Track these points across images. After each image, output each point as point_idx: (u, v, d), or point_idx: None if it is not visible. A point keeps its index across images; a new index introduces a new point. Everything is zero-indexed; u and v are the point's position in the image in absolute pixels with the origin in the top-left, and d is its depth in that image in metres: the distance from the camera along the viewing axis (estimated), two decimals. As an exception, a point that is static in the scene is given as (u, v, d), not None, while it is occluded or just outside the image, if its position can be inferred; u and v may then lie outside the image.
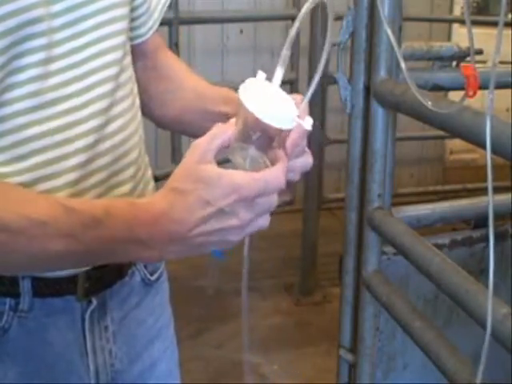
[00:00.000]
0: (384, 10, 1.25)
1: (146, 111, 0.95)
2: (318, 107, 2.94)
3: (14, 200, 0.66)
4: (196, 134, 0.80)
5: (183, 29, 2.71)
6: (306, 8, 0.63)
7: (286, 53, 0.64)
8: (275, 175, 0.64)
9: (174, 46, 2.40)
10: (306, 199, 3.11)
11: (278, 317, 2.81)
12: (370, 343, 1.48)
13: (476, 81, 0.87)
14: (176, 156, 2.58)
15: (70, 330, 0.82)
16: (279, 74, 0.64)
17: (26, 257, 0.66)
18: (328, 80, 2.78)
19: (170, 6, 2.32)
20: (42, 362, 0.81)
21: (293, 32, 0.63)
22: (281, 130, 0.63)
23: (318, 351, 2.53)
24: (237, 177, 0.63)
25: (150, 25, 0.93)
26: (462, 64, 0.90)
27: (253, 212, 0.65)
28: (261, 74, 0.64)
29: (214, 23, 3.39)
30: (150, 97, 0.96)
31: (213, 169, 0.63)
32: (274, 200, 0.66)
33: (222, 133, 0.65)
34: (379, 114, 1.34)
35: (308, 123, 0.64)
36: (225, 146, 0.65)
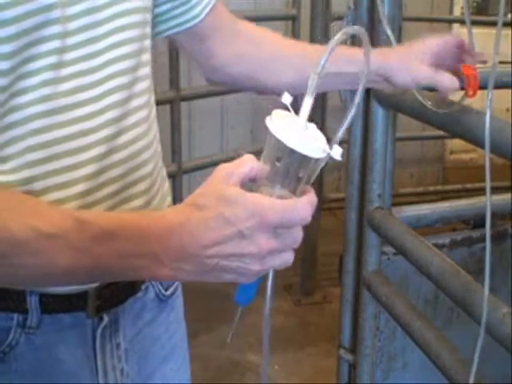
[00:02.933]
0: (384, 9, 1.25)
1: (253, 84, 0.98)
2: (318, 107, 2.94)
3: (25, 211, 0.64)
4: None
5: (183, 29, 2.70)
6: (338, 37, 0.60)
7: (313, 82, 0.61)
8: (301, 205, 0.61)
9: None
10: (306, 199, 3.10)
11: (278, 317, 2.81)
12: (369, 343, 1.48)
13: (476, 81, 0.87)
14: (176, 156, 2.58)
15: (80, 347, 0.79)
16: (308, 103, 0.61)
17: (35, 270, 0.63)
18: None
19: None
20: (50, 380, 0.78)
21: (323, 61, 0.60)
22: (310, 161, 0.61)
23: (318, 351, 2.53)
24: (261, 199, 0.59)
25: (206, 1, 0.93)
26: (462, 64, 0.90)
27: (274, 242, 0.60)
28: (286, 96, 0.62)
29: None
30: (252, 67, 0.97)
31: (237, 189, 0.60)
32: (298, 235, 0.62)
33: (251, 161, 0.62)
34: (379, 113, 1.34)
35: (337, 153, 0.61)
36: (251, 178, 0.62)
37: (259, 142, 3.61)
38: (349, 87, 1.00)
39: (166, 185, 0.90)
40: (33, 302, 0.74)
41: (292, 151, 0.59)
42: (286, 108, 0.63)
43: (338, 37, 0.60)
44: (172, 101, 2.46)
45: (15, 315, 0.74)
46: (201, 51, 0.96)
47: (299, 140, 0.59)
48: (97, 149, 0.73)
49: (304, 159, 0.60)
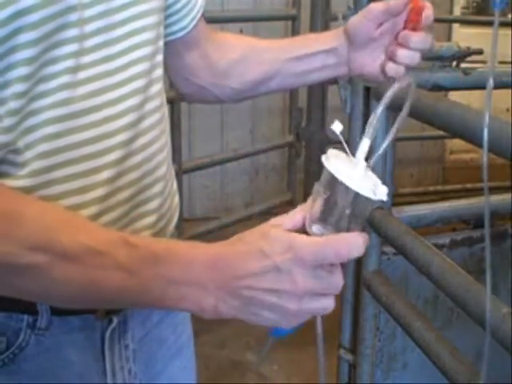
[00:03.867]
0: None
1: (220, 91, 0.97)
2: (318, 107, 2.94)
3: (75, 226, 0.63)
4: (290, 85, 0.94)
5: (183, 29, 2.70)
6: (390, 93, 0.62)
7: (372, 120, 0.61)
8: (335, 241, 0.60)
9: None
10: (306, 199, 3.10)
11: (278, 317, 2.81)
12: (370, 343, 1.48)
13: (418, 14, 0.85)
14: (176, 156, 2.58)
15: (89, 348, 0.79)
16: (365, 145, 0.61)
17: (79, 288, 0.63)
18: (328, 80, 2.78)
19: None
20: (59, 381, 0.78)
21: (381, 106, 0.61)
22: (366, 201, 0.61)
23: (318, 351, 2.53)
24: (298, 237, 0.61)
25: (194, 14, 0.92)
26: None
27: (312, 282, 0.61)
28: (337, 125, 0.62)
29: (213, 23, 3.38)
30: (222, 74, 0.96)
31: (279, 229, 0.62)
32: (339, 279, 0.62)
33: (300, 212, 0.64)
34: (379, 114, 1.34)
35: (383, 193, 0.60)
36: (299, 226, 0.63)
37: (259, 142, 3.62)
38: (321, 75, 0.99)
39: (175, 184, 0.90)
40: (43, 304, 0.74)
41: (348, 191, 0.60)
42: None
43: (393, 90, 0.63)
44: (172, 101, 2.46)
45: (25, 317, 0.74)
46: (175, 63, 0.96)
47: (356, 179, 0.60)
48: (114, 153, 0.72)
49: (358, 199, 0.60)
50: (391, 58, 0.87)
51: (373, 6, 0.87)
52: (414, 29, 0.85)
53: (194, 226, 2.69)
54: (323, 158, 0.61)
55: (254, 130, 3.73)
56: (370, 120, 0.61)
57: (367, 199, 0.60)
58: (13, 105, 0.65)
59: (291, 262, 0.60)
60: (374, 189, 0.60)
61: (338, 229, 0.62)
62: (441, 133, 1.23)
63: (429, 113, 1.06)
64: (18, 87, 0.64)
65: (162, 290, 0.63)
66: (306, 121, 2.96)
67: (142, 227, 0.79)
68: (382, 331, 1.49)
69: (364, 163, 0.61)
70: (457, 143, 4.13)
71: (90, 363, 0.80)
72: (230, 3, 3.57)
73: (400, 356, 1.55)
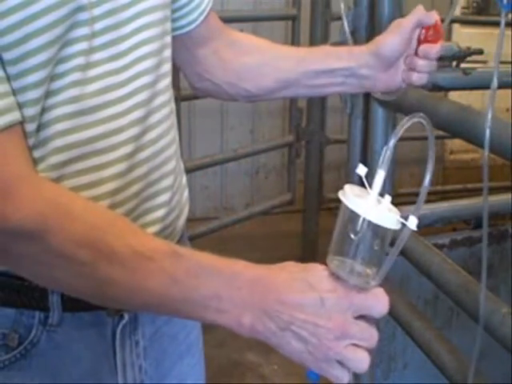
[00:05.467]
0: (384, 9, 1.25)
1: (236, 91, 0.97)
2: (318, 107, 2.94)
3: (122, 228, 0.64)
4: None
5: (183, 29, 2.70)
6: (403, 123, 0.62)
7: (385, 153, 0.61)
8: (382, 295, 0.62)
9: (174, 45, 2.39)
10: (306, 199, 3.10)
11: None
12: (370, 343, 1.48)
13: (438, 31, 0.88)
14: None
15: (100, 344, 0.80)
16: (380, 176, 0.61)
17: (127, 290, 0.64)
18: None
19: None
20: (70, 376, 0.79)
21: (391, 143, 0.61)
22: (386, 233, 0.61)
23: (318, 351, 2.53)
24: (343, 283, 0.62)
25: (202, 8, 0.92)
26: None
27: (351, 326, 0.61)
28: (362, 168, 0.62)
29: (213, 23, 3.38)
30: (237, 75, 0.96)
31: (327, 270, 0.63)
32: (375, 333, 0.62)
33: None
34: (379, 114, 1.34)
35: (413, 223, 0.61)
36: None
37: (259, 142, 3.62)
38: (338, 89, 0.98)
39: (184, 178, 0.91)
40: (55, 301, 0.75)
41: (368, 223, 0.60)
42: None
43: (403, 122, 0.62)
44: (172, 101, 2.46)
45: (37, 313, 0.75)
46: (187, 57, 0.96)
47: (374, 212, 0.60)
48: (124, 148, 0.73)
49: (379, 231, 0.61)
50: (413, 68, 0.90)
51: (404, 22, 0.89)
52: (435, 41, 0.88)
53: (194, 226, 2.68)
54: (340, 192, 0.62)
55: (254, 130, 3.73)
56: (383, 153, 0.62)
57: (381, 228, 0.60)
58: (30, 97, 0.66)
59: (337, 300, 0.61)
60: (394, 219, 0.60)
61: (363, 261, 0.62)
62: (441, 133, 1.23)
63: (429, 113, 1.06)
64: (33, 92, 0.65)
65: (203, 301, 0.63)
66: (305, 121, 2.96)
67: (152, 220, 0.79)
68: (382, 331, 1.49)
69: (378, 194, 0.61)
70: (457, 143, 4.13)
71: (100, 359, 0.80)
72: (230, 3, 3.57)
73: (400, 356, 1.55)
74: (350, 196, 0.61)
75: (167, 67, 0.81)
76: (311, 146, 2.99)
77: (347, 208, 0.60)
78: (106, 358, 0.81)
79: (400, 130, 0.62)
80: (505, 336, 0.95)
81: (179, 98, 2.52)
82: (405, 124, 0.63)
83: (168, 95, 0.81)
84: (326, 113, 3.02)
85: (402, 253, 1.28)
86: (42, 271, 0.66)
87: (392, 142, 0.61)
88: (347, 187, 0.62)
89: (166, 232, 0.82)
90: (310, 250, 3.07)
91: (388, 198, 0.62)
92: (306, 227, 3.09)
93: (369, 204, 0.60)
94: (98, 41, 0.69)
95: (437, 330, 1.21)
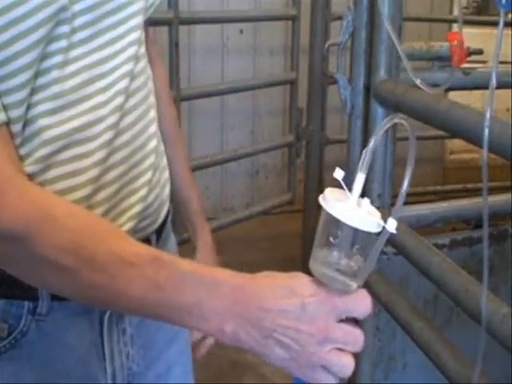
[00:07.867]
0: (384, 9, 1.25)
1: None
2: (318, 107, 2.94)
3: (105, 233, 0.65)
4: None
5: (183, 29, 2.70)
6: (384, 123, 0.62)
7: (365, 155, 0.61)
8: (365, 296, 0.62)
9: (174, 45, 2.39)
10: (306, 199, 3.10)
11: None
12: (370, 343, 1.48)
13: (461, 48, 0.86)
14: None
15: (89, 332, 0.81)
16: (360, 180, 0.61)
17: (109, 294, 0.64)
18: (328, 80, 2.78)
19: (169, 6, 2.31)
20: (59, 364, 0.80)
21: (371, 144, 0.62)
22: (367, 236, 0.61)
23: (318, 351, 2.53)
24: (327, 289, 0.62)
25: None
26: (448, 32, 0.88)
27: (335, 330, 0.61)
28: (338, 172, 0.62)
29: (213, 23, 3.38)
30: None
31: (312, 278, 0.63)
32: (360, 336, 0.62)
33: None
34: (379, 114, 1.34)
35: (392, 226, 0.60)
36: None
37: (259, 142, 3.62)
38: None
39: (165, 159, 0.91)
40: (44, 291, 0.76)
41: (347, 227, 0.60)
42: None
43: (384, 123, 0.62)
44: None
45: (26, 303, 0.76)
46: None
47: (354, 216, 0.60)
48: (105, 135, 0.74)
49: (358, 234, 0.61)
50: None
51: None
52: (460, 61, 0.86)
53: (194, 226, 2.68)
54: (320, 196, 0.62)
55: (254, 131, 3.73)
56: (363, 155, 0.61)
57: (360, 232, 0.60)
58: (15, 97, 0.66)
59: (319, 304, 0.61)
60: (373, 222, 0.60)
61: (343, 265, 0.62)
62: (441, 133, 1.23)
63: (429, 113, 1.06)
64: (19, 94, 0.66)
65: (186, 307, 0.63)
66: (305, 121, 2.96)
67: (136, 201, 0.81)
68: (382, 331, 1.49)
69: (358, 197, 0.61)
70: (457, 143, 4.13)
71: (89, 347, 0.81)
72: (230, 3, 3.57)
73: (400, 356, 1.55)
74: (329, 200, 0.61)
75: (143, 49, 0.82)
76: (311, 145, 2.99)
77: (327, 212, 0.60)
78: (95, 345, 0.82)
79: (380, 131, 0.62)
80: (505, 336, 0.95)
81: (179, 98, 2.52)
82: (385, 125, 0.62)
83: (143, 79, 0.82)
84: (326, 113, 3.02)
85: (402, 253, 1.28)
86: (27, 272, 0.66)
87: (372, 144, 0.61)
88: (328, 191, 0.62)
89: (149, 211, 0.83)
90: (310, 250, 3.07)
91: (367, 200, 0.61)
92: (305, 227, 3.09)
93: (348, 208, 0.60)
94: (76, 37, 0.70)
95: (437, 330, 1.21)
